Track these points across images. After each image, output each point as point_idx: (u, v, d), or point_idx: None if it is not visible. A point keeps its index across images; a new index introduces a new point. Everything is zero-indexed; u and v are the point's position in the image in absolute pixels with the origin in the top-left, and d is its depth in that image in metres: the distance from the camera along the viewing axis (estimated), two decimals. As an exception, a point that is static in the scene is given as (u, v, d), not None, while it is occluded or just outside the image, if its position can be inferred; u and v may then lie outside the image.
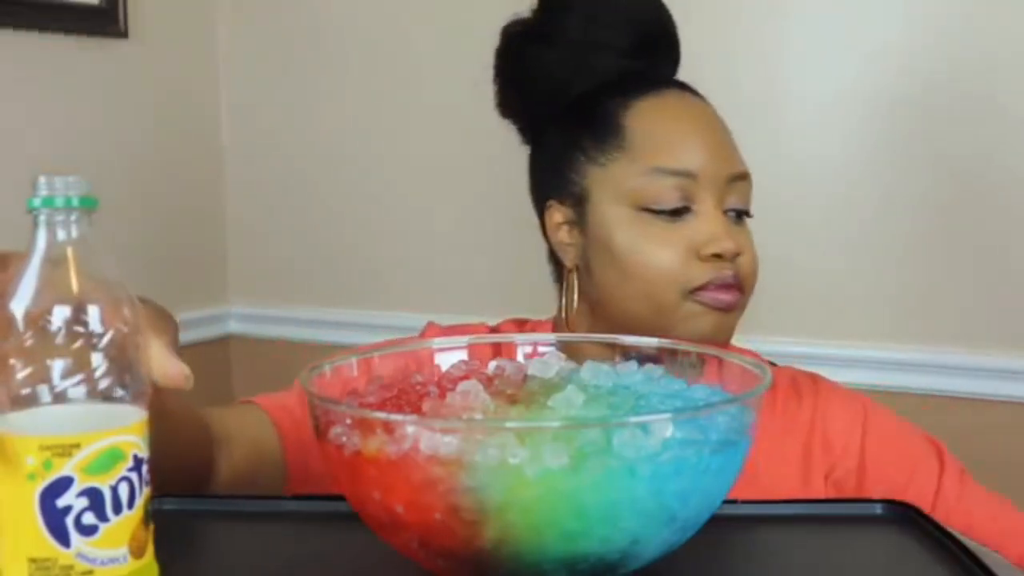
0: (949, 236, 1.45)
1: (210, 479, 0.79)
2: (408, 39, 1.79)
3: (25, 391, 0.49)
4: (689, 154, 0.88)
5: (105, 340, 0.50)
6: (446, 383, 0.62)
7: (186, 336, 2.01)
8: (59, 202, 0.50)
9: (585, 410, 0.56)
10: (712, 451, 0.51)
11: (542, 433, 0.49)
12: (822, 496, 0.89)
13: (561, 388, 0.58)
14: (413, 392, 0.61)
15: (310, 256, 1.93)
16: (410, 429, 0.49)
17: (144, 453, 0.51)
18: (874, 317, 1.50)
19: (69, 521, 0.48)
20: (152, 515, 0.52)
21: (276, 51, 1.91)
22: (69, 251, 0.50)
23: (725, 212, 0.89)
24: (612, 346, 0.73)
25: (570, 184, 0.92)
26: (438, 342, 0.71)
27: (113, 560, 0.49)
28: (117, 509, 0.49)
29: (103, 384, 0.50)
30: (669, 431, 0.50)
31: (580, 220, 0.92)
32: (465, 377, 0.62)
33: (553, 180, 0.94)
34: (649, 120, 0.90)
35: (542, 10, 0.96)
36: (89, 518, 0.49)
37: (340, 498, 0.55)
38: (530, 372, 0.65)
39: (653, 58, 0.94)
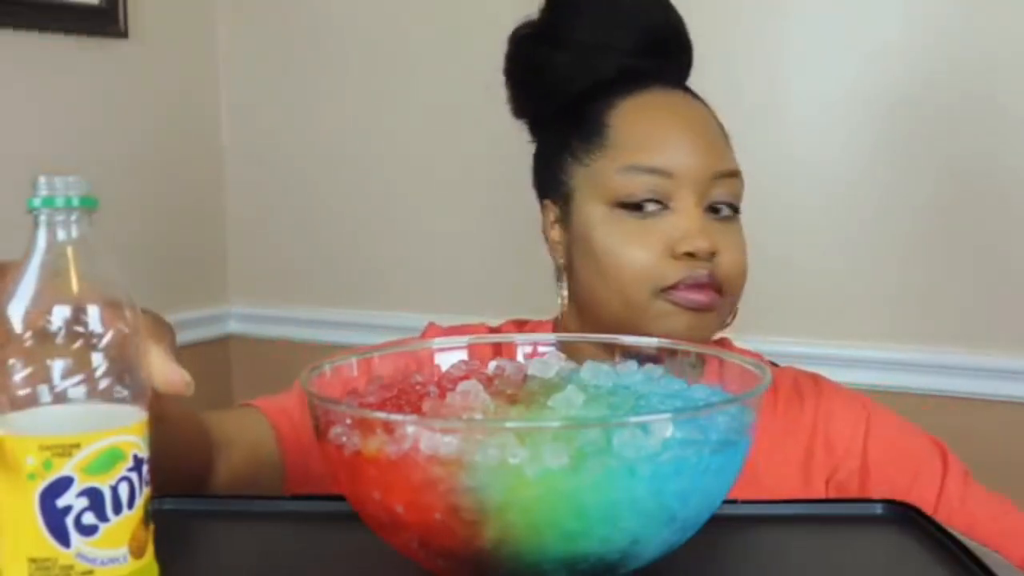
0: (949, 236, 1.45)
1: (208, 483, 0.79)
2: (408, 39, 1.79)
3: (25, 391, 0.49)
4: (665, 151, 0.87)
5: (105, 340, 0.49)
6: (446, 383, 0.62)
7: (186, 336, 2.02)
8: (59, 202, 0.50)
9: (585, 410, 0.56)
10: (712, 451, 0.51)
11: (542, 433, 0.49)
12: (822, 497, 0.88)
13: (561, 388, 0.58)
14: (413, 392, 0.61)
15: (310, 256, 1.93)
16: (410, 429, 0.49)
17: (144, 453, 0.51)
18: (874, 317, 1.50)
19: (69, 521, 0.48)
20: (152, 515, 0.52)
21: (276, 51, 1.91)
22: (69, 251, 0.50)
23: (708, 211, 0.88)
24: (609, 346, 0.73)
25: (560, 183, 0.93)
26: (438, 342, 0.71)
27: (113, 560, 0.50)
28: (117, 509, 0.49)
29: (103, 384, 0.50)
30: (669, 431, 0.50)
31: (566, 219, 0.93)
32: (465, 377, 0.62)
33: (547, 179, 0.95)
34: (630, 119, 0.90)
35: (549, 11, 0.96)
36: (89, 518, 0.49)
37: (340, 498, 0.55)
38: (530, 372, 0.65)
39: (661, 60, 0.94)
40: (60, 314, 0.49)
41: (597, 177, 0.89)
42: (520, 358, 0.71)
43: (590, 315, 0.92)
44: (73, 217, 0.50)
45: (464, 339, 0.72)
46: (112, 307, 0.50)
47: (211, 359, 1.95)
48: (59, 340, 0.49)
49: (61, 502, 0.48)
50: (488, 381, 0.62)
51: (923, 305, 1.47)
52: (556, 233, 0.94)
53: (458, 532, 0.49)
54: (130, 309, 0.51)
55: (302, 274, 1.94)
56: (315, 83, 1.88)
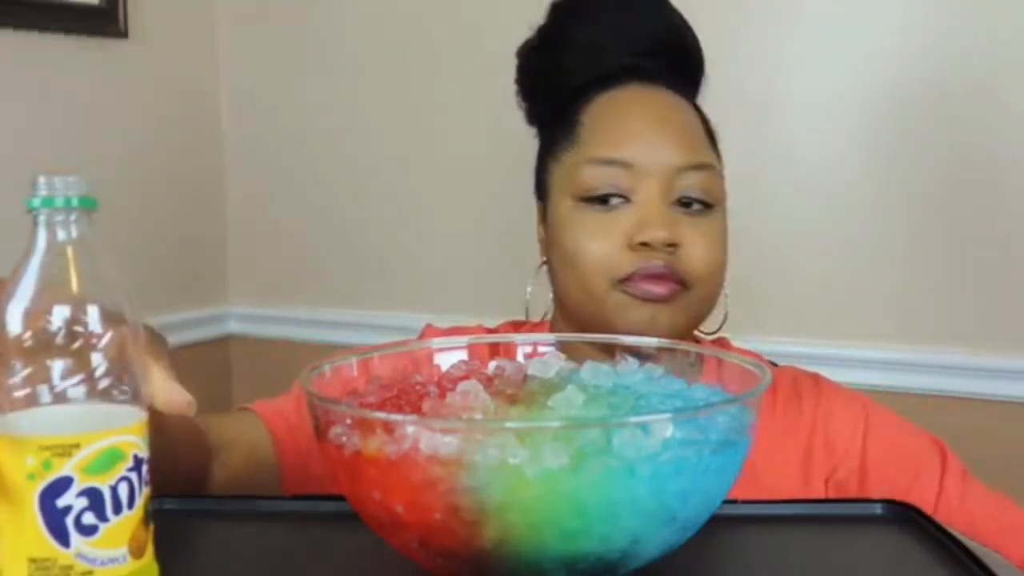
0: (949, 236, 1.45)
1: (204, 487, 0.79)
2: (408, 40, 1.79)
3: (25, 392, 0.49)
4: (625, 144, 0.88)
5: (105, 340, 0.49)
6: (446, 383, 0.62)
7: (186, 336, 2.01)
8: (59, 202, 0.50)
9: (585, 410, 0.56)
10: (712, 451, 0.51)
11: (542, 433, 0.49)
12: (822, 497, 0.88)
13: (561, 388, 0.58)
14: (413, 392, 0.61)
15: (310, 256, 1.93)
16: (410, 429, 0.49)
17: (144, 453, 0.51)
18: (874, 317, 1.50)
19: (69, 521, 0.48)
20: (152, 515, 0.52)
21: (276, 51, 1.91)
22: (69, 251, 0.50)
23: (678, 205, 0.87)
24: (602, 345, 0.73)
25: (542, 182, 0.95)
26: (438, 342, 0.71)
27: (113, 560, 0.50)
28: (117, 509, 0.49)
29: (103, 384, 0.50)
30: (669, 431, 0.50)
31: (546, 217, 0.94)
32: (465, 377, 0.62)
33: (536, 180, 0.97)
34: (598, 114, 0.91)
35: (552, 16, 0.97)
36: (89, 518, 0.49)
37: (340, 498, 0.55)
38: (530, 372, 0.65)
39: (659, 64, 0.94)
40: (60, 314, 0.49)
41: (566, 173, 0.90)
42: (520, 358, 0.71)
43: (566, 311, 0.93)
44: (73, 217, 0.50)
45: (464, 339, 0.72)
46: (112, 307, 0.50)
47: (211, 359, 1.95)
48: (59, 340, 0.49)
49: (61, 502, 0.48)
50: (488, 381, 0.62)
51: (923, 305, 1.47)
52: (541, 231, 0.96)
53: (458, 532, 0.50)
54: (130, 309, 0.51)
55: (302, 274, 1.94)
56: (315, 83, 1.88)
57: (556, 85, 0.95)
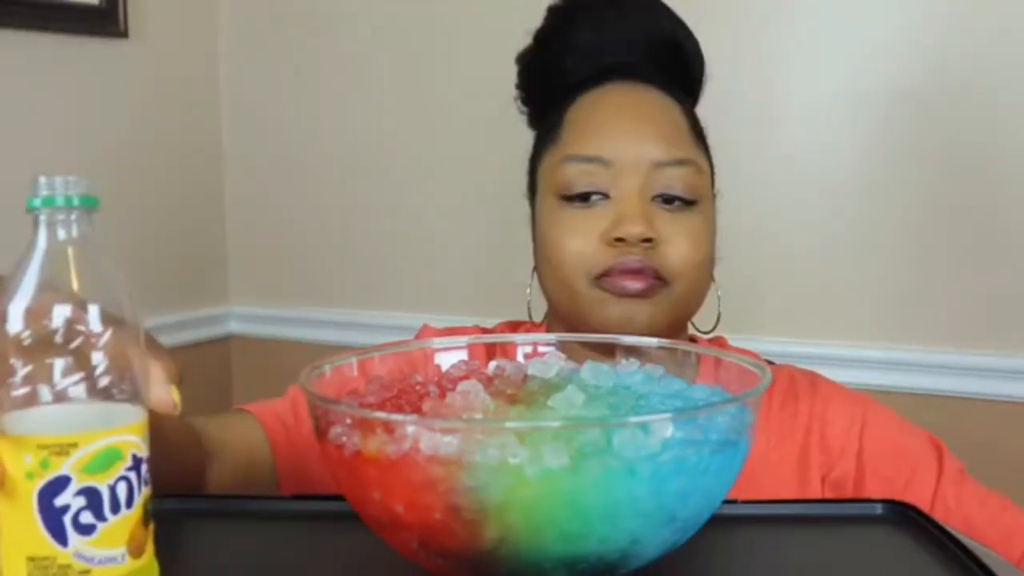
0: (949, 237, 1.45)
1: (201, 489, 0.79)
2: (409, 40, 1.79)
3: (24, 391, 0.49)
4: (601, 140, 0.88)
5: (104, 339, 0.49)
6: (446, 383, 0.62)
7: (186, 336, 2.02)
8: (59, 201, 0.50)
9: (585, 410, 0.56)
10: (712, 451, 0.51)
11: (542, 433, 0.49)
12: (819, 496, 0.88)
13: (561, 388, 0.58)
14: (413, 392, 0.61)
15: (310, 256, 1.93)
16: (410, 429, 0.49)
17: (143, 453, 0.51)
18: (874, 317, 1.50)
19: (67, 520, 0.48)
20: (152, 515, 0.52)
21: (276, 51, 1.91)
22: (70, 250, 0.50)
23: (659, 201, 0.87)
24: (601, 345, 0.73)
25: (532, 183, 0.96)
26: (438, 342, 0.71)
27: (111, 560, 0.50)
28: (115, 509, 0.49)
29: (102, 383, 0.49)
30: (669, 431, 0.50)
31: (532, 215, 0.95)
32: (465, 377, 0.62)
33: (528, 180, 0.97)
34: (578, 113, 0.91)
35: (549, 19, 0.97)
36: (87, 517, 0.49)
37: (340, 498, 0.55)
38: (530, 372, 0.65)
39: (652, 66, 0.94)
40: (60, 313, 0.49)
41: (548, 172, 0.91)
42: (520, 358, 0.71)
43: (552, 309, 0.94)
44: (73, 216, 0.50)
45: (464, 339, 0.72)
46: (112, 306, 0.50)
47: (211, 359, 1.95)
48: (58, 339, 0.49)
49: (59, 501, 0.48)
50: (488, 381, 0.62)
51: (923, 305, 1.47)
52: (532, 231, 0.96)
53: (458, 532, 0.50)
54: (130, 309, 0.51)
55: (302, 274, 1.94)
56: (315, 83, 1.88)
57: (550, 87, 0.96)
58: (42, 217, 0.50)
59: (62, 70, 1.64)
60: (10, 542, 0.49)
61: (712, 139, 0.95)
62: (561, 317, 0.92)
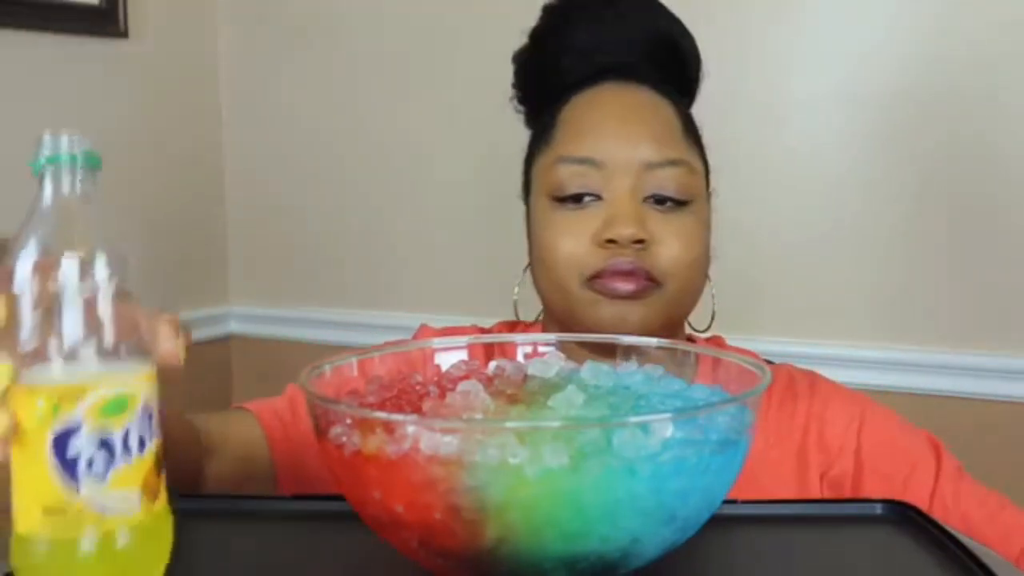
0: (948, 236, 1.45)
1: (198, 485, 0.79)
2: (408, 40, 1.79)
3: (35, 342, 0.49)
4: (593, 142, 0.88)
5: (111, 293, 0.50)
6: (446, 383, 0.62)
7: (186, 336, 1.98)
8: (64, 159, 0.51)
9: (585, 410, 0.56)
10: (712, 451, 0.51)
11: (542, 433, 0.49)
12: (818, 495, 0.89)
13: (561, 388, 0.58)
14: (413, 392, 0.61)
15: (310, 256, 1.93)
16: (410, 429, 0.49)
17: (152, 403, 0.52)
18: (874, 317, 1.50)
19: (80, 467, 0.49)
20: (164, 465, 0.53)
21: (276, 51, 1.91)
22: (75, 206, 0.51)
23: (652, 202, 0.87)
24: (600, 345, 0.73)
25: (526, 184, 0.96)
26: (438, 342, 0.71)
27: (125, 505, 0.50)
28: (127, 455, 0.50)
29: (111, 335, 0.50)
30: (669, 431, 0.50)
31: (527, 216, 0.95)
32: (465, 377, 0.62)
33: (522, 180, 0.98)
34: (570, 114, 0.92)
35: (545, 19, 0.97)
36: (100, 464, 0.49)
37: (340, 498, 0.55)
38: (530, 372, 0.65)
39: (647, 65, 0.94)
40: (67, 268, 0.49)
41: (542, 173, 0.91)
42: (520, 358, 0.71)
43: (546, 309, 0.94)
44: (78, 174, 0.51)
45: (464, 339, 0.72)
46: (117, 261, 0.51)
47: (211, 359, 1.96)
48: (66, 293, 0.49)
49: (72, 449, 0.49)
50: (488, 381, 0.62)
51: (921, 305, 1.47)
52: (527, 231, 0.96)
53: (458, 532, 0.50)
54: (134, 265, 0.52)
55: (302, 274, 1.94)
56: (315, 84, 1.88)
57: (546, 87, 0.96)
58: (47, 174, 0.51)
59: (62, 70, 1.64)
60: (25, 492, 0.49)
61: (712, 138, 0.95)
62: (555, 317, 0.93)
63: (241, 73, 1.94)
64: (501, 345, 0.74)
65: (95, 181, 0.52)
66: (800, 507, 0.70)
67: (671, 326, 0.90)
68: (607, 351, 0.71)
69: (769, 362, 0.99)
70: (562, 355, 0.67)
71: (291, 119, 1.91)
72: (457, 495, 0.48)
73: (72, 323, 0.49)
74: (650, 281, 0.85)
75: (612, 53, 0.93)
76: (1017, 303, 1.42)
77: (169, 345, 0.54)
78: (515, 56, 0.99)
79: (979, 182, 1.43)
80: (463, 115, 1.74)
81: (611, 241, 0.85)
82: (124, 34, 1.72)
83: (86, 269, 0.50)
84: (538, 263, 0.91)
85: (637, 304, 0.85)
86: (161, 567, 0.53)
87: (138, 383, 0.51)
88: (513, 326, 1.00)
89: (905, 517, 0.67)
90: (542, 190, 0.91)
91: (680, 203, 0.88)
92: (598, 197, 0.87)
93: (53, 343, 0.49)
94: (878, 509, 0.69)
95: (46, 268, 0.49)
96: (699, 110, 0.97)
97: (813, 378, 0.95)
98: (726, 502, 0.56)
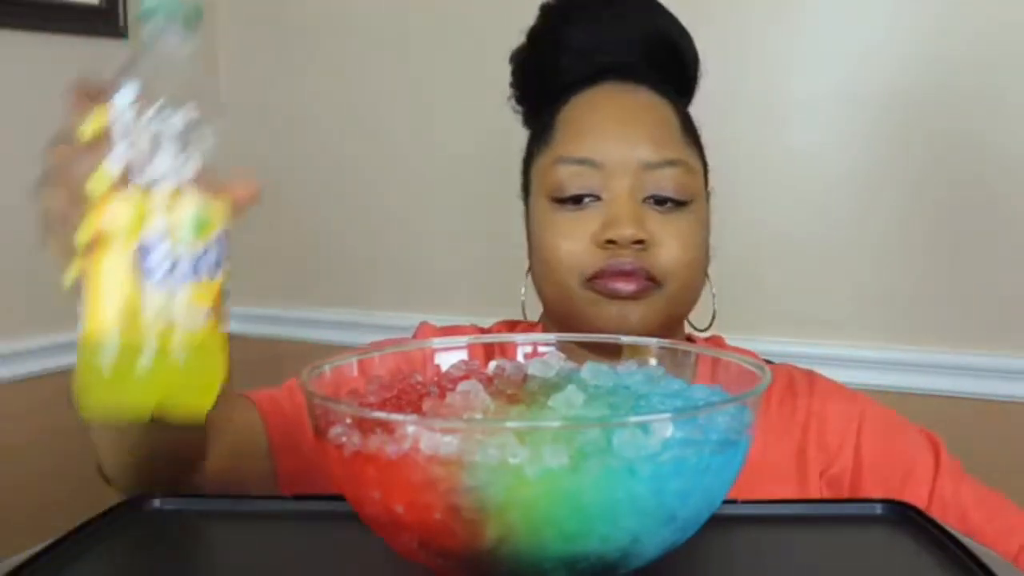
0: (948, 237, 1.45)
1: (198, 468, 0.79)
2: (408, 39, 1.79)
3: (130, 159, 0.53)
4: (592, 142, 0.88)
5: (195, 133, 0.54)
6: (446, 383, 0.62)
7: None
8: (164, 9, 0.55)
9: (585, 410, 0.56)
10: (712, 451, 0.51)
11: (542, 433, 0.49)
12: (818, 495, 0.89)
13: (561, 388, 0.58)
14: (413, 392, 0.61)
15: (310, 256, 1.93)
16: (410, 429, 0.49)
17: (225, 238, 0.55)
18: (873, 317, 1.50)
19: (159, 277, 0.53)
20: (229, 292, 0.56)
21: (275, 51, 1.91)
22: (174, 54, 0.55)
23: (651, 202, 0.87)
24: (596, 345, 0.73)
25: (526, 184, 0.96)
26: (438, 342, 0.71)
27: (193, 321, 0.54)
28: (201, 274, 0.54)
29: (198, 165, 0.54)
30: (669, 431, 0.50)
31: (526, 216, 0.95)
32: (465, 377, 0.62)
33: (521, 181, 0.98)
34: (570, 114, 0.92)
35: (542, 19, 0.98)
36: (177, 277, 0.53)
37: (340, 498, 0.55)
38: (530, 372, 0.65)
39: (644, 65, 0.94)
40: (159, 106, 0.53)
41: (541, 173, 0.92)
42: (520, 358, 0.71)
43: (546, 309, 0.94)
44: (177, 25, 0.55)
45: (464, 339, 0.72)
46: (205, 108, 0.55)
47: (211, 359, 1.95)
48: (161, 122, 0.53)
49: (154, 258, 0.52)
50: (488, 381, 0.62)
51: (921, 305, 1.47)
52: (526, 232, 0.96)
53: (458, 532, 0.50)
54: (220, 113, 0.55)
55: (302, 274, 1.94)
56: (314, 83, 1.88)
57: (544, 87, 0.96)
58: (149, 20, 0.55)
59: (62, 70, 1.64)
60: (103, 295, 0.53)
61: (711, 138, 0.95)
62: (556, 318, 0.93)
63: (241, 73, 1.94)
64: (501, 345, 0.74)
65: (194, 34, 0.55)
66: (800, 507, 0.70)
67: (671, 325, 0.90)
68: (607, 351, 0.71)
69: (769, 362, 0.99)
70: (562, 355, 0.67)
71: (291, 119, 1.91)
72: (457, 495, 0.48)
73: (165, 148, 0.53)
74: (650, 281, 0.86)
75: (610, 53, 0.93)
76: (1017, 303, 1.42)
77: (246, 181, 0.58)
78: (513, 56, 1.00)
79: (979, 182, 1.43)
80: (462, 114, 1.74)
81: (611, 242, 0.85)
82: (124, 34, 1.72)
83: (175, 111, 0.53)
84: (538, 264, 0.91)
85: (637, 304, 0.86)
86: (213, 393, 0.56)
87: (218, 210, 0.55)
88: (513, 326, 1.00)
89: (905, 517, 0.67)
90: (541, 191, 0.91)
91: (679, 203, 0.88)
92: (597, 198, 0.88)
93: (147, 162, 0.53)
94: (878, 509, 0.69)
95: (146, 100, 0.53)
96: (698, 110, 0.98)
97: (812, 377, 0.96)
98: (726, 502, 0.56)
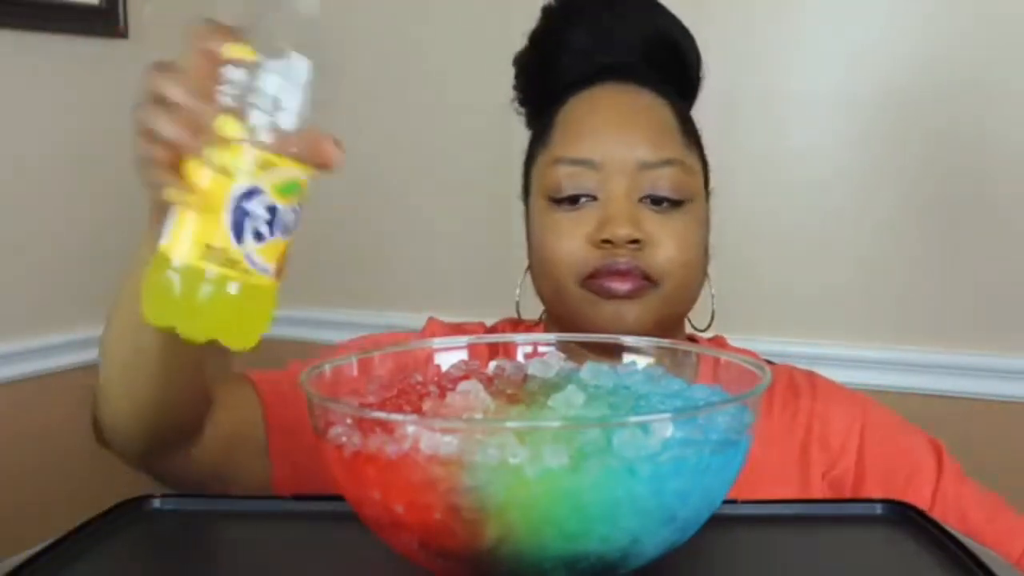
0: (948, 236, 1.45)
1: (197, 437, 0.80)
2: (409, 39, 1.79)
3: (240, 103, 0.56)
4: (588, 142, 0.88)
5: (312, 94, 0.58)
6: (446, 383, 0.62)
7: (186, 336, 1.98)
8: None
9: (585, 410, 0.56)
10: (712, 451, 0.51)
11: (542, 433, 0.49)
12: (820, 496, 0.89)
13: (561, 388, 0.58)
14: (413, 392, 0.61)
15: (309, 256, 1.92)
16: (410, 429, 0.49)
17: (302, 204, 0.59)
18: (873, 317, 1.50)
19: (248, 224, 0.56)
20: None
21: (276, 51, 1.91)
22: (302, 11, 0.59)
23: (648, 202, 0.87)
24: (596, 345, 0.73)
25: (526, 184, 0.96)
26: (438, 342, 0.71)
27: (265, 270, 0.58)
28: (282, 230, 0.58)
29: (302, 126, 0.57)
30: (669, 431, 0.50)
31: (526, 216, 0.96)
32: (465, 377, 0.62)
33: (522, 181, 0.98)
34: (568, 115, 0.92)
35: (544, 21, 0.98)
36: (263, 228, 0.57)
37: (340, 498, 0.55)
38: (530, 372, 0.65)
39: (645, 66, 0.94)
40: (286, 59, 0.57)
41: (540, 173, 0.92)
42: (520, 358, 0.71)
43: (546, 308, 0.94)
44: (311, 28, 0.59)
45: (464, 339, 0.72)
46: (327, 70, 0.58)
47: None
48: (279, 77, 0.56)
49: (248, 206, 0.56)
50: (488, 381, 0.63)
51: (921, 305, 1.47)
52: (526, 232, 0.96)
53: (458, 532, 0.50)
54: (337, 76, 0.59)
55: (301, 274, 1.93)
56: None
57: (544, 88, 0.96)
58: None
59: (62, 70, 1.64)
60: (197, 230, 0.56)
61: (710, 138, 0.95)
62: (554, 317, 0.93)
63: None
64: (502, 345, 0.74)
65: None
66: (800, 507, 0.70)
67: (669, 325, 0.90)
68: (607, 351, 0.71)
69: (770, 362, 0.99)
70: (562, 355, 0.67)
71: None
72: (457, 495, 0.48)
73: (281, 103, 0.56)
74: (646, 280, 0.86)
75: (610, 53, 0.93)
76: (1016, 303, 1.42)
77: (333, 148, 0.60)
78: (516, 58, 1.00)
79: (977, 181, 1.43)
80: (464, 114, 1.73)
81: (607, 241, 0.85)
82: (124, 34, 1.71)
83: (298, 65, 0.57)
84: (536, 263, 0.92)
85: (633, 303, 0.86)
86: (256, 338, 0.60)
87: (306, 176, 0.58)
88: (517, 324, 1.00)
89: (905, 517, 0.67)
90: (539, 191, 0.91)
91: (676, 203, 0.88)
92: (594, 198, 0.88)
93: (257, 109, 0.56)
94: (878, 509, 0.69)
95: (272, 48, 0.56)
96: (697, 110, 0.97)
97: (813, 378, 0.96)
98: (726, 502, 0.56)
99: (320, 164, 0.59)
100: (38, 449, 1.53)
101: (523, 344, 0.73)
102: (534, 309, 0.98)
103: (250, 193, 0.56)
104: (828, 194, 1.50)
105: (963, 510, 0.85)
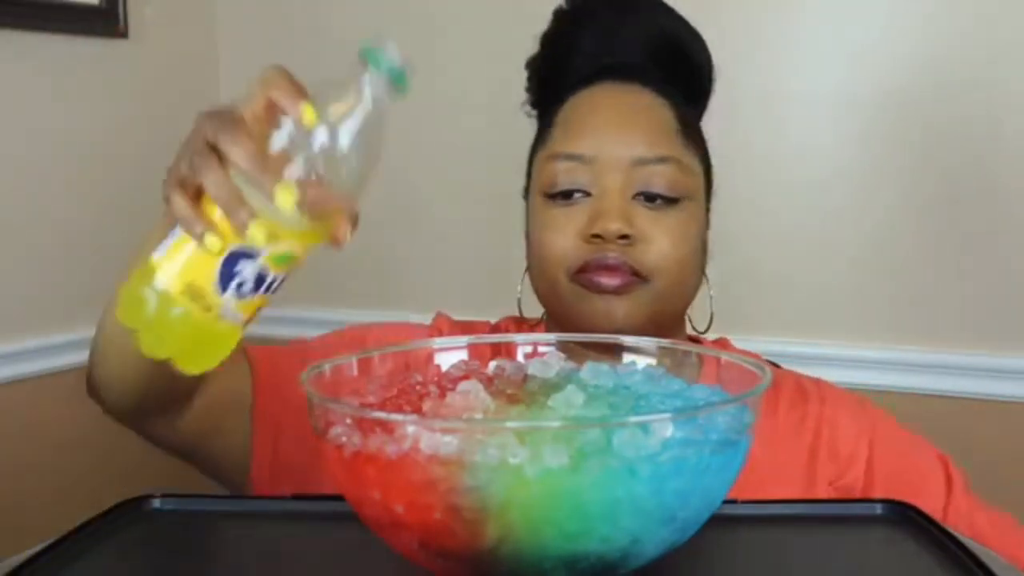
0: (948, 236, 1.45)
1: (187, 403, 0.81)
2: (410, 40, 1.78)
3: (282, 165, 0.58)
4: (584, 138, 0.89)
5: (343, 164, 0.60)
6: (446, 383, 0.62)
7: (186, 336, 1.98)
8: (383, 65, 0.63)
9: (585, 410, 0.56)
10: (712, 451, 0.51)
11: (542, 433, 0.49)
12: (825, 498, 0.88)
13: (561, 388, 0.58)
14: (413, 392, 0.61)
15: (310, 256, 1.92)
16: (410, 429, 0.49)
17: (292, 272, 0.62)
18: (873, 317, 1.50)
19: (235, 280, 0.59)
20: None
21: (276, 52, 1.91)
22: (374, 99, 0.62)
23: (642, 199, 0.87)
24: (596, 345, 0.73)
25: (528, 182, 0.97)
26: (438, 342, 0.71)
27: (235, 319, 0.61)
28: (260, 292, 0.61)
29: (316, 198, 0.59)
30: (669, 431, 0.50)
31: (525, 215, 0.96)
32: (465, 377, 0.62)
33: (526, 180, 0.98)
34: (569, 112, 0.92)
35: (555, 23, 0.98)
36: (248, 287, 0.60)
37: (340, 498, 0.55)
38: (530, 372, 0.65)
39: (651, 67, 0.94)
40: (324, 127, 0.59)
41: (538, 171, 0.92)
42: (520, 358, 0.71)
43: (542, 304, 0.94)
44: (385, 80, 0.62)
45: (464, 339, 0.72)
46: (364, 157, 0.61)
47: (211, 359, 1.95)
48: (312, 150, 0.59)
49: (241, 265, 0.59)
50: (488, 381, 0.63)
51: (921, 305, 1.47)
52: (525, 230, 0.96)
53: (458, 532, 0.50)
54: (372, 166, 0.62)
55: (302, 274, 1.93)
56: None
57: (552, 89, 0.96)
58: (367, 64, 0.62)
59: (62, 70, 1.64)
60: (189, 262, 0.59)
61: (711, 138, 0.95)
62: (550, 313, 0.94)
63: (241, 74, 1.94)
64: (502, 345, 0.74)
65: (395, 95, 0.63)
66: (800, 507, 0.70)
67: (663, 323, 0.90)
68: (607, 351, 0.71)
69: (776, 365, 0.99)
70: (562, 355, 0.67)
71: (291, 119, 1.90)
72: (457, 495, 0.48)
73: (319, 173, 0.59)
74: (635, 276, 0.85)
75: (615, 54, 0.93)
76: (1016, 303, 1.42)
77: (345, 229, 0.64)
78: (528, 62, 1.00)
79: (978, 181, 1.43)
80: (470, 111, 1.73)
81: (597, 236, 0.85)
82: (124, 34, 1.71)
83: (335, 142, 0.59)
84: (531, 259, 0.92)
85: (623, 299, 0.86)
86: (212, 365, 0.63)
87: (306, 249, 0.62)
88: (520, 322, 1.00)
89: (905, 517, 0.67)
90: (537, 188, 0.91)
91: (671, 201, 0.88)
92: (587, 193, 0.88)
93: (290, 168, 0.58)
94: (878, 509, 0.69)
95: (334, 122, 0.59)
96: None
97: (821, 385, 0.95)
98: (726, 502, 0.56)
99: (328, 241, 0.62)
100: (38, 449, 1.53)
101: (523, 344, 0.73)
102: (535, 308, 0.98)
103: (248, 255, 0.59)
104: (828, 193, 1.50)
105: (974, 523, 0.85)
